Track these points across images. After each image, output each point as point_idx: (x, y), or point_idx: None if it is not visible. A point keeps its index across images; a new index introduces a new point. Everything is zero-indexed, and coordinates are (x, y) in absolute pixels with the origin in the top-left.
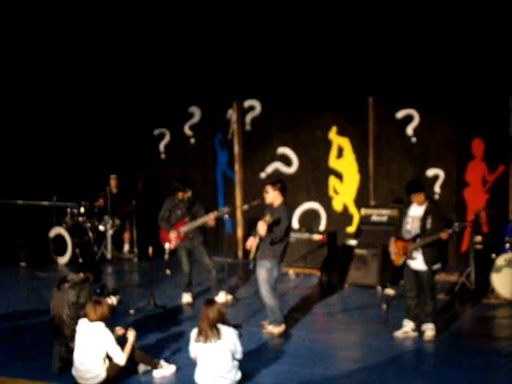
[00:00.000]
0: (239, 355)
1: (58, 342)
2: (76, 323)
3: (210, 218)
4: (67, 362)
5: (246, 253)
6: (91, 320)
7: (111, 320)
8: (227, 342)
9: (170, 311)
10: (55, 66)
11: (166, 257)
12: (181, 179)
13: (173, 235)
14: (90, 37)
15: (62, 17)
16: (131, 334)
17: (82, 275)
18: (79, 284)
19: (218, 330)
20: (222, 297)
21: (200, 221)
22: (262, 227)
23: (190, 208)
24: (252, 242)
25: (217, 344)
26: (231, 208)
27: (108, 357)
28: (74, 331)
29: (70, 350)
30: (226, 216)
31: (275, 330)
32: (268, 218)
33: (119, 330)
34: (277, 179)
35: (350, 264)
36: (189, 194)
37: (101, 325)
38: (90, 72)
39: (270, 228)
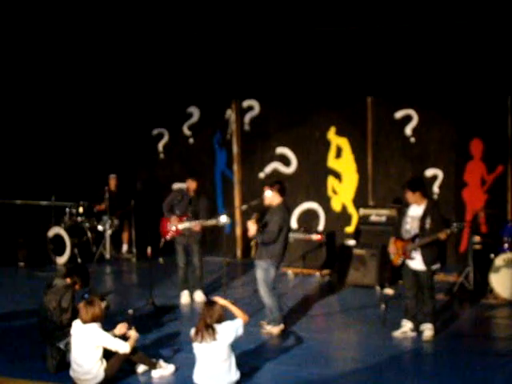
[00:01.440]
0: (240, 332)
1: (48, 344)
2: (60, 327)
3: (196, 225)
4: (61, 361)
5: (245, 252)
6: (84, 321)
7: (109, 321)
8: (223, 342)
9: (168, 311)
10: (55, 66)
11: (161, 244)
12: (190, 170)
13: (173, 223)
14: (89, 37)
15: (62, 17)
16: (133, 334)
17: (68, 280)
18: (62, 290)
19: (213, 331)
20: (199, 295)
21: (192, 224)
22: (251, 227)
23: (189, 204)
24: (251, 225)
25: (211, 344)
26: (229, 219)
27: (105, 357)
28: (60, 333)
29: (60, 351)
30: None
31: (274, 329)
32: (254, 217)
33: (122, 328)
34: (276, 180)
35: (349, 264)
36: (191, 185)
37: (94, 326)
38: (88, 72)
39: (261, 228)
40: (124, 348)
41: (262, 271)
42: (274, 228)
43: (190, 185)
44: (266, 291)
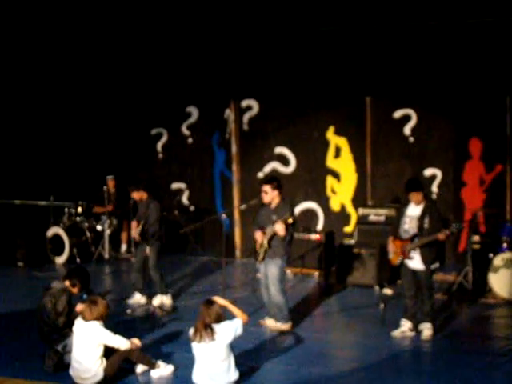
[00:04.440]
0: (240, 332)
1: (46, 345)
2: (57, 329)
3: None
4: (59, 363)
5: (244, 252)
6: (87, 320)
7: (108, 321)
8: (222, 342)
9: (167, 311)
10: (54, 67)
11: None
12: (133, 182)
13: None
14: (88, 38)
15: (61, 17)
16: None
17: (67, 283)
18: (58, 293)
19: (212, 331)
20: (156, 300)
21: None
22: (281, 228)
23: (138, 210)
24: (261, 237)
25: (210, 344)
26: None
27: (105, 356)
28: (58, 336)
29: (57, 353)
30: (224, 216)
31: (283, 327)
32: (289, 218)
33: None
34: (272, 177)
35: (348, 264)
36: (136, 196)
37: (96, 323)
38: (87, 72)
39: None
40: (125, 344)
41: (277, 269)
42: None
43: (135, 196)
44: (279, 289)
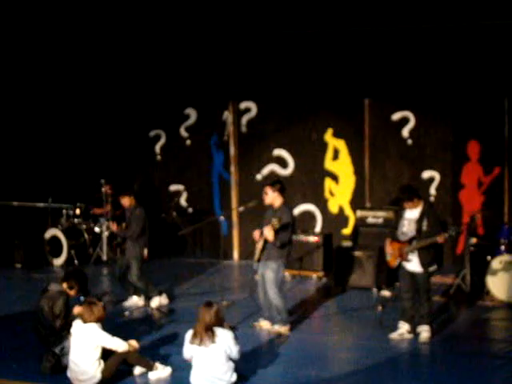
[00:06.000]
0: (235, 355)
1: (44, 347)
2: (54, 332)
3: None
4: (56, 365)
5: (242, 254)
6: (86, 321)
7: (106, 322)
8: (222, 345)
9: (164, 313)
10: (52, 69)
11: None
12: (121, 187)
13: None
14: (86, 40)
15: (59, 21)
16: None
17: (64, 285)
18: (55, 295)
19: (212, 334)
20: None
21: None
22: (269, 233)
23: (125, 216)
24: (257, 237)
25: (211, 347)
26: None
27: (103, 358)
28: (55, 338)
29: (55, 355)
30: (222, 218)
31: (281, 329)
32: (276, 222)
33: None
34: (276, 180)
35: (346, 266)
36: (124, 202)
37: (94, 326)
38: (86, 73)
39: (276, 232)
40: (123, 346)
41: (273, 272)
42: (287, 228)
43: (125, 202)
44: (276, 292)
